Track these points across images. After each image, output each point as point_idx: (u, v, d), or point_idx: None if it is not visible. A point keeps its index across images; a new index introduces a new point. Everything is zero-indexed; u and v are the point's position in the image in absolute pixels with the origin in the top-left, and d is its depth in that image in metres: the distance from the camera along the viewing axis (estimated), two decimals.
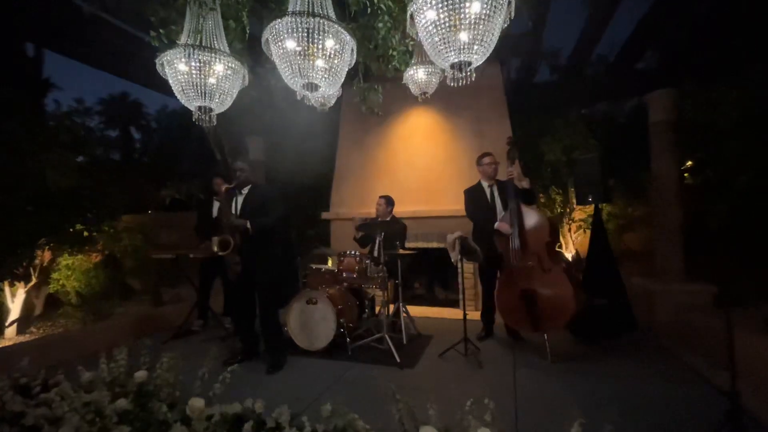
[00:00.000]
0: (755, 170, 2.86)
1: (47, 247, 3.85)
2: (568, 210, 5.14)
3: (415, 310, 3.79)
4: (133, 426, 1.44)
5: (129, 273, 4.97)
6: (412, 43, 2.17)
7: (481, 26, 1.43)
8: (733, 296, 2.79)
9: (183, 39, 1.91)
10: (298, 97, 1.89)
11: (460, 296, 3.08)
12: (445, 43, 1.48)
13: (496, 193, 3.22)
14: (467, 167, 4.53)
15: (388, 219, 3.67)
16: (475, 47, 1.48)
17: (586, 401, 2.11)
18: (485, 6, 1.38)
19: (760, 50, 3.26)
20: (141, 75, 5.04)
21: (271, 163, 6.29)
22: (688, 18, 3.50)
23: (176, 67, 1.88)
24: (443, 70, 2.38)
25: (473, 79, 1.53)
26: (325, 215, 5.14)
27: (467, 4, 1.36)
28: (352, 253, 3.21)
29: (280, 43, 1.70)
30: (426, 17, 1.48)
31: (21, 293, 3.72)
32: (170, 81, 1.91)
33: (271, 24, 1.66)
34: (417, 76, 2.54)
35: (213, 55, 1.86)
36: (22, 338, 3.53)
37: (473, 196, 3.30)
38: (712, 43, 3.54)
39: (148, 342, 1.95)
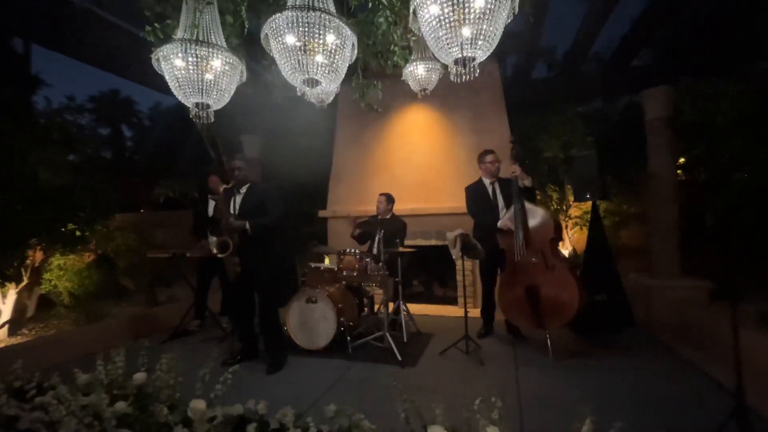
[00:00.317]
0: (752, 166, 2.89)
1: (39, 246, 3.77)
2: (564, 207, 5.17)
3: (413, 308, 3.79)
4: (132, 429, 1.41)
5: (123, 273, 4.89)
6: (414, 38, 2.14)
7: (485, 21, 1.41)
8: (728, 292, 2.81)
9: (179, 34, 1.86)
10: (299, 93, 1.86)
11: (462, 294, 3.07)
12: (448, 39, 1.46)
13: (498, 191, 3.21)
14: (465, 164, 4.53)
15: (388, 217, 3.66)
16: (480, 42, 1.46)
17: (591, 397, 2.12)
18: (489, 1, 1.36)
19: (758, 46, 3.28)
20: (133, 71, 4.96)
21: (267, 161, 6.23)
22: (685, 15, 3.52)
23: (173, 63, 1.83)
24: (443, 66, 2.38)
25: (477, 74, 1.52)
26: (322, 213, 5.10)
27: None
28: (352, 251, 3.19)
29: (279, 38, 1.66)
30: (429, 12, 1.46)
31: (12, 294, 3.65)
32: (166, 77, 1.87)
33: (271, 18, 1.62)
34: (417, 72, 2.51)
35: (210, 50, 1.82)
36: (13, 340, 3.46)
37: (475, 193, 3.30)
38: (709, 39, 3.56)
39: (146, 343, 1.91)
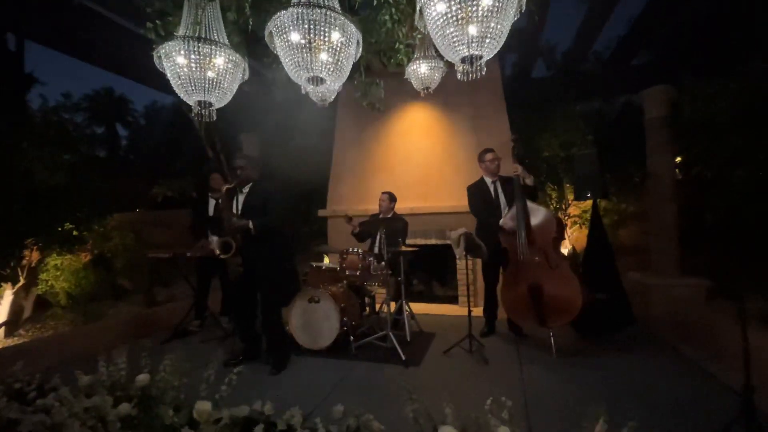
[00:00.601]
0: (752, 165, 2.91)
1: (35, 246, 3.73)
2: (563, 206, 5.18)
3: (414, 307, 3.78)
4: (137, 431, 1.39)
5: (120, 273, 4.84)
6: (420, 36, 2.12)
7: (492, 19, 1.40)
8: (729, 291, 2.84)
9: (181, 31, 1.84)
10: (303, 92, 1.84)
11: (466, 292, 3.07)
12: (455, 37, 1.45)
13: (499, 189, 3.21)
14: (465, 163, 4.52)
15: (390, 215, 3.64)
16: (487, 41, 1.45)
17: (596, 396, 2.12)
18: None
19: (757, 46, 3.30)
20: (131, 69, 4.90)
21: (266, 160, 6.19)
22: (684, 15, 3.53)
23: (174, 60, 1.81)
24: (446, 65, 2.36)
25: (483, 72, 1.51)
26: (321, 212, 5.08)
27: None
28: (355, 250, 3.18)
29: (284, 36, 1.64)
30: (436, 10, 1.44)
31: (8, 295, 3.60)
32: (168, 74, 1.84)
33: (275, 16, 1.60)
34: (420, 70, 2.49)
35: (213, 47, 1.80)
36: (10, 341, 3.41)
37: (477, 192, 3.29)
38: (708, 39, 3.58)
39: (148, 343, 1.89)
